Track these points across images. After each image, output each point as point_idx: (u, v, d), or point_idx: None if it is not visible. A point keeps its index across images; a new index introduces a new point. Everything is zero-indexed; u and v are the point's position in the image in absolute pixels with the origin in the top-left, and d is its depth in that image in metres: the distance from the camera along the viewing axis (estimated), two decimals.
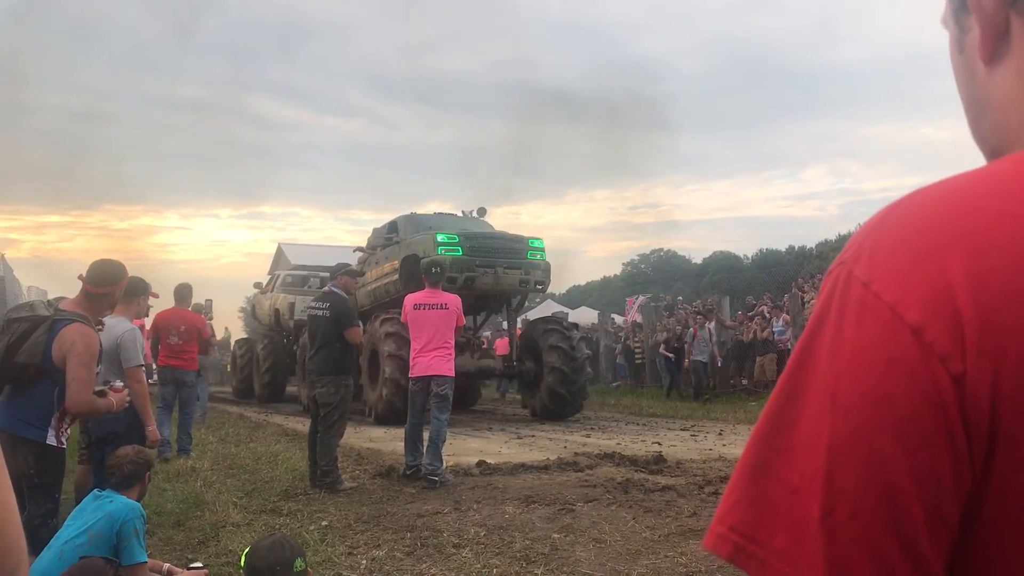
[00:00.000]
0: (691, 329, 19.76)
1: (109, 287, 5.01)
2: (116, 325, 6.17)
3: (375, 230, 17.49)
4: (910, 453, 0.60)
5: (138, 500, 4.51)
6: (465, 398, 17.28)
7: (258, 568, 2.96)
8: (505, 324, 17.50)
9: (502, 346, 18.30)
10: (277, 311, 20.65)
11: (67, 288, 5.44)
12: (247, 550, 3.09)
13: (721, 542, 0.67)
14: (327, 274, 19.58)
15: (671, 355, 20.66)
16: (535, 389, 15.44)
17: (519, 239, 15.71)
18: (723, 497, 0.69)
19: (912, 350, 0.61)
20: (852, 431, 0.62)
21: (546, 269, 15.74)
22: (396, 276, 15.46)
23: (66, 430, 4.79)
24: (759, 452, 0.67)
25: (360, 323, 8.36)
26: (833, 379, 0.63)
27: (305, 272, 22.09)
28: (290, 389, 20.83)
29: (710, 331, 19.67)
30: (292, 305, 19.54)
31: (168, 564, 4.79)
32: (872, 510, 0.60)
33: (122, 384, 5.32)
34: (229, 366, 26.43)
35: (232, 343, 25.96)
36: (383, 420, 13.90)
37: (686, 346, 20.04)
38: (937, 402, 0.60)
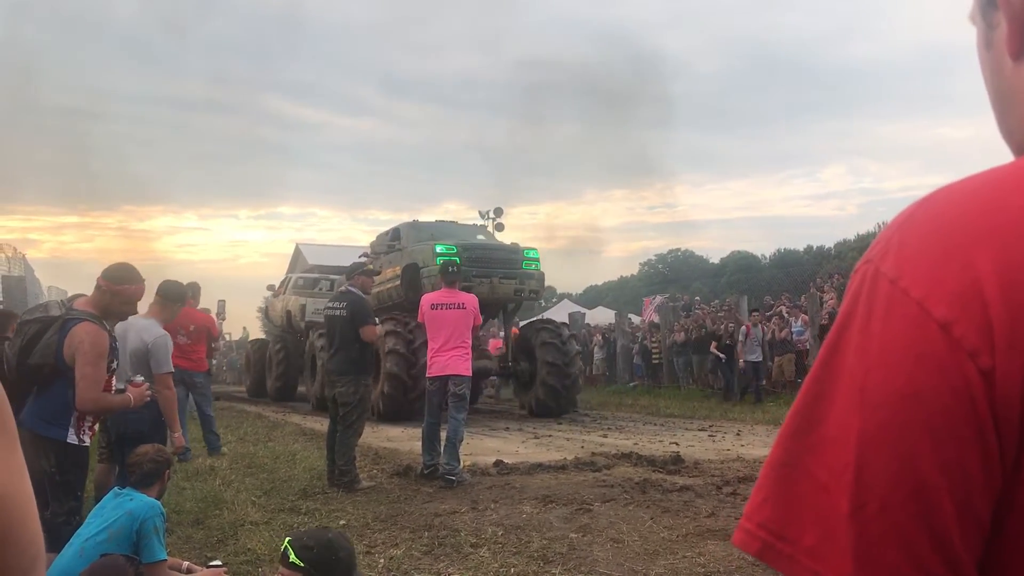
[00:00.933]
0: (743, 327, 18.96)
1: (119, 285, 4.98)
2: (149, 328, 6.17)
3: (379, 236, 17.92)
4: (940, 448, 0.60)
5: (158, 498, 4.54)
6: (471, 396, 17.26)
7: (309, 546, 2.95)
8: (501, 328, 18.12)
9: (493, 347, 19.07)
10: (289, 312, 21.02)
11: (87, 288, 5.47)
12: (292, 539, 3.04)
13: (750, 539, 0.67)
14: (337, 276, 20.33)
15: (722, 355, 19.72)
16: (531, 387, 15.92)
17: (515, 250, 16.26)
18: (752, 494, 0.69)
19: (941, 346, 0.61)
20: (881, 427, 0.61)
21: (540, 278, 16.44)
22: (398, 282, 15.93)
23: (88, 429, 4.82)
24: (787, 449, 0.67)
25: (376, 321, 8.35)
26: (861, 375, 0.63)
27: (316, 275, 22.56)
28: (301, 388, 21.13)
29: (763, 329, 19.15)
30: (303, 307, 19.95)
31: (187, 562, 4.82)
32: (902, 505, 0.60)
33: (142, 379, 5.36)
34: (244, 365, 26.83)
35: (249, 343, 26.29)
36: (384, 416, 14.14)
37: (739, 345, 19.15)
38: (966, 398, 0.60)
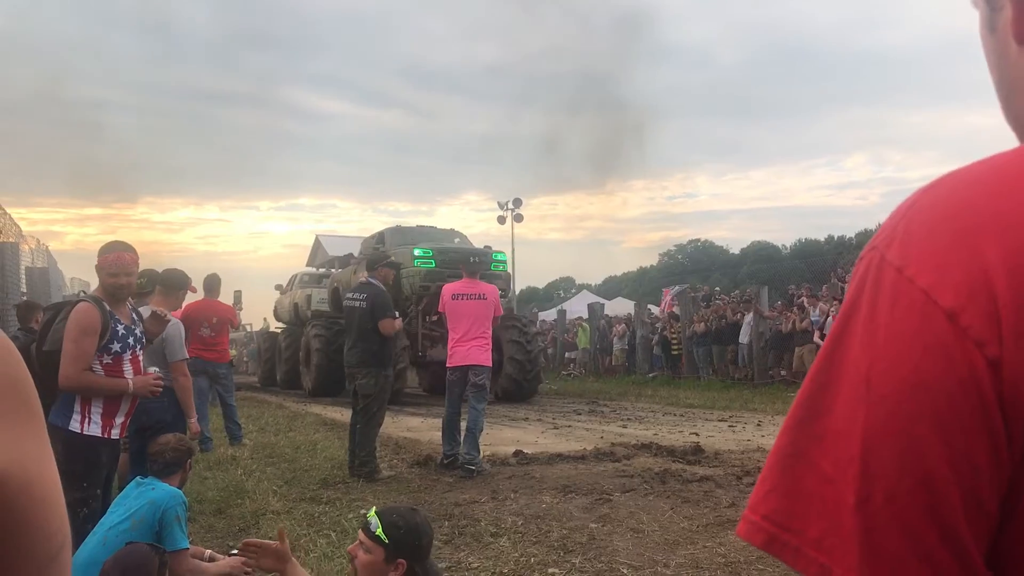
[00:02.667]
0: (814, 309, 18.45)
1: (99, 258, 4.87)
2: None
3: (365, 240, 19.49)
4: (947, 439, 0.59)
5: (180, 487, 4.56)
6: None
7: (398, 524, 2.96)
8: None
9: None
10: (296, 305, 22.38)
11: None
12: (381, 512, 3.04)
13: (755, 531, 0.66)
14: (336, 270, 21.04)
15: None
16: (497, 376, 16.74)
17: (485, 252, 17.47)
18: (756, 485, 0.68)
19: (947, 335, 0.60)
20: (887, 418, 0.61)
21: (506, 279, 18.26)
22: None
23: (99, 416, 4.73)
24: (793, 439, 0.66)
25: (395, 315, 8.35)
26: (867, 365, 0.63)
27: (319, 272, 23.81)
28: None
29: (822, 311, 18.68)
30: (309, 297, 21.41)
31: (210, 551, 4.85)
32: (909, 496, 0.60)
33: (155, 370, 5.36)
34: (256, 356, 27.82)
35: (260, 335, 26.97)
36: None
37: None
38: (973, 388, 0.60)
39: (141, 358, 5.01)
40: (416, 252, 16.79)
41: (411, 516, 3.03)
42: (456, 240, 18.65)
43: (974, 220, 0.63)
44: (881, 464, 0.60)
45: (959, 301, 0.61)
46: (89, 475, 4.72)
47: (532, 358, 17.16)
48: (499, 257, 17.86)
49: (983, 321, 0.60)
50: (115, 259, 4.84)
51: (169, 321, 5.64)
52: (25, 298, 11.72)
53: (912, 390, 0.60)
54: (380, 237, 18.52)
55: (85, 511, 4.59)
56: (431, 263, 16.55)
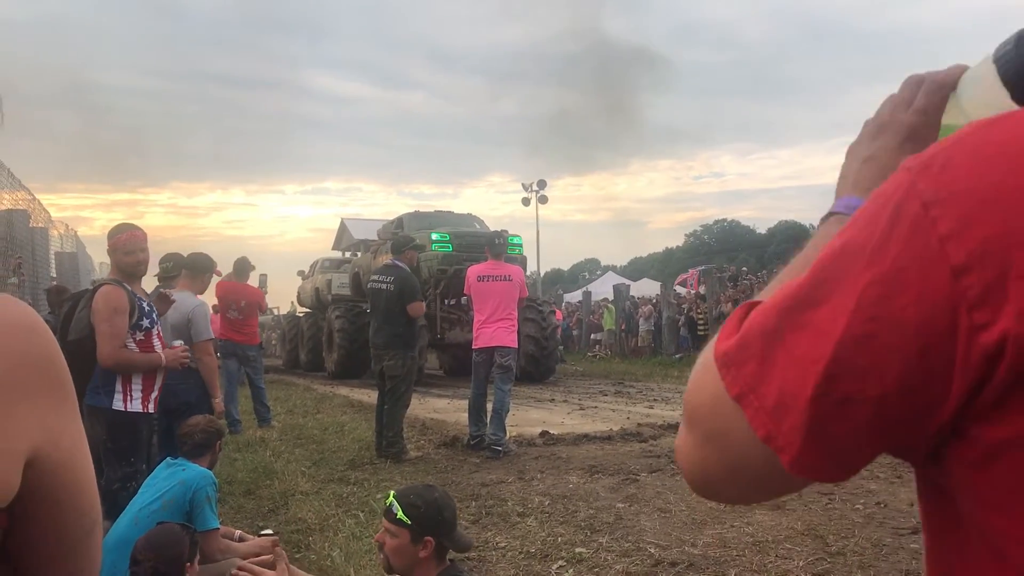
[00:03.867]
0: None
1: (108, 246, 5.03)
2: (185, 300, 6.33)
3: (384, 224, 19.74)
4: (909, 376, 0.63)
5: (209, 468, 4.60)
6: (468, 367, 18.62)
7: (416, 504, 2.97)
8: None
9: None
10: (317, 290, 22.81)
11: None
12: (399, 495, 3.06)
13: (734, 383, 0.71)
14: (350, 255, 21.47)
15: None
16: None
17: (503, 235, 17.57)
18: (738, 344, 0.72)
19: (944, 291, 0.61)
20: (864, 338, 0.64)
21: (522, 262, 18.07)
22: None
23: (140, 394, 4.89)
24: (778, 319, 0.69)
25: (423, 298, 8.38)
26: (864, 284, 0.65)
27: (340, 258, 24.35)
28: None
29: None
30: (330, 282, 21.57)
31: (240, 531, 4.89)
32: (859, 407, 0.65)
33: (180, 342, 5.46)
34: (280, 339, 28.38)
35: (284, 319, 27.65)
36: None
37: None
38: (952, 344, 0.62)
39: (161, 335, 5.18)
40: (434, 236, 17.05)
41: (428, 493, 3.04)
42: (475, 225, 18.97)
43: (1016, 182, 0.61)
44: (844, 374, 0.65)
45: (970, 261, 0.61)
46: (136, 450, 4.96)
47: (548, 335, 17.38)
48: (515, 241, 17.90)
49: (984, 288, 0.60)
50: (128, 237, 5.01)
51: (174, 301, 5.79)
52: (55, 282, 11.86)
53: (895, 325, 0.63)
54: (399, 222, 18.83)
55: (133, 485, 4.73)
56: (448, 247, 16.86)
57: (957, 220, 0.62)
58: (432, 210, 20.00)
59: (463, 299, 18.27)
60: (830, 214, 0.89)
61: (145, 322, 4.96)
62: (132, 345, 4.89)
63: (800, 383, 0.66)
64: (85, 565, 0.97)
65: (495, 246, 8.87)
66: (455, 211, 20.20)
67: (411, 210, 19.92)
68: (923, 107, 0.84)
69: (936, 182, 0.64)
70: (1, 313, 0.86)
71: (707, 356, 0.75)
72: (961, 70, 0.83)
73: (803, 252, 0.86)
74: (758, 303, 0.74)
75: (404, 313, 8.25)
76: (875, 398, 0.64)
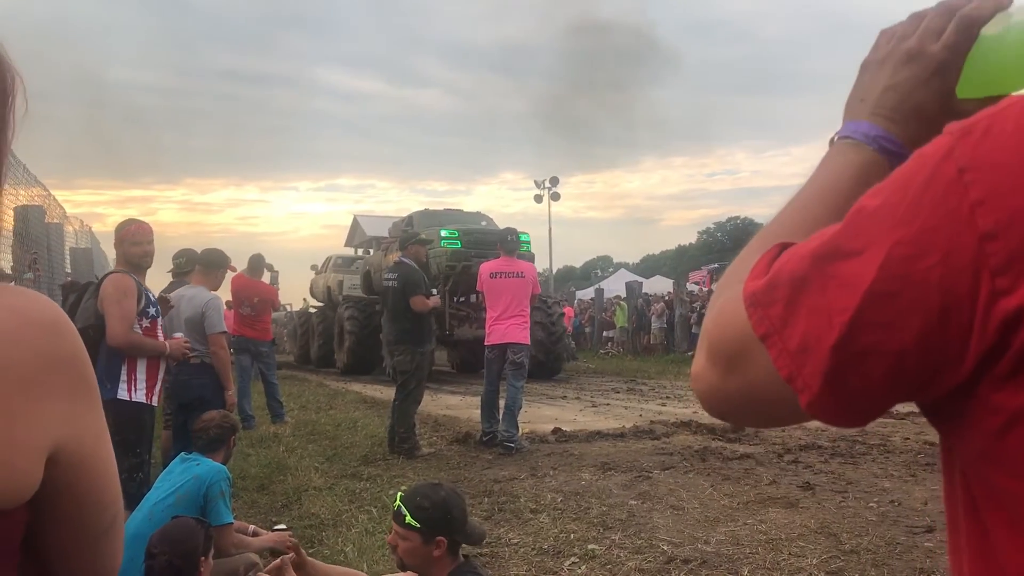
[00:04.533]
0: None
1: (115, 239, 5.16)
2: (198, 295, 6.36)
3: (395, 223, 20.07)
4: (930, 335, 0.65)
5: (223, 463, 4.61)
6: (475, 362, 19.72)
7: (424, 506, 2.96)
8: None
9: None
10: (329, 288, 23.37)
11: None
12: (405, 497, 3.05)
13: (761, 322, 0.73)
14: (363, 252, 21.73)
15: None
16: None
17: (513, 232, 17.77)
18: (767, 285, 0.74)
19: (970, 255, 0.63)
20: (889, 295, 0.66)
21: (530, 258, 18.13)
22: None
23: (145, 385, 4.92)
24: (809, 267, 0.71)
25: (426, 291, 8.35)
26: (892, 242, 0.66)
27: (352, 256, 24.65)
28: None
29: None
30: (341, 283, 22.30)
31: (253, 526, 4.91)
32: (879, 359, 0.67)
33: (181, 334, 5.53)
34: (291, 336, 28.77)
35: (296, 315, 28.45)
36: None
37: None
38: (971, 304, 0.63)
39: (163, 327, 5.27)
40: (443, 233, 17.21)
41: (435, 492, 3.02)
42: (483, 223, 19.17)
43: None
44: (866, 327, 0.67)
45: (997, 228, 0.62)
46: (140, 441, 5.00)
47: (555, 339, 17.51)
48: (523, 238, 18.11)
49: (1009, 255, 0.62)
50: (136, 228, 5.15)
51: (173, 307, 5.85)
52: (70, 278, 11.91)
53: (919, 284, 0.65)
54: (409, 220, 19.05)
55: (140, 476, 4.78)
56: (457, 243, 17.03)
57: (990, 188, 0.63)
58: (442, 208, 20.29)
59: (472, 296, 18.50)
60: (842, 137, 0.89)
61: (151, 310, 5.05)
62: (138, 330, 4.96)
63: (824, 331, 0.69)
64: (107, 559, 0.97)
65: (507, 243, 8.87)
66: (464, 209, 20.63)
67: (422, 208, 20.16)
68: (954, 43, 0.83)
69: (974, 149, 0.65)
70: (25, 310, 0.86)
71: (734, 292, 0.77)
72: (995, 4, 0.82)
73: (812, 177, 0.89)
74: (789, 244, 0.76)
75: (410, 308, 8.26)
76: (894, 352, 0.66)
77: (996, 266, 0.62)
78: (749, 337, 0.73)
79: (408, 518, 2.90)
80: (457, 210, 20.39)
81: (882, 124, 0.87)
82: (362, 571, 4.54)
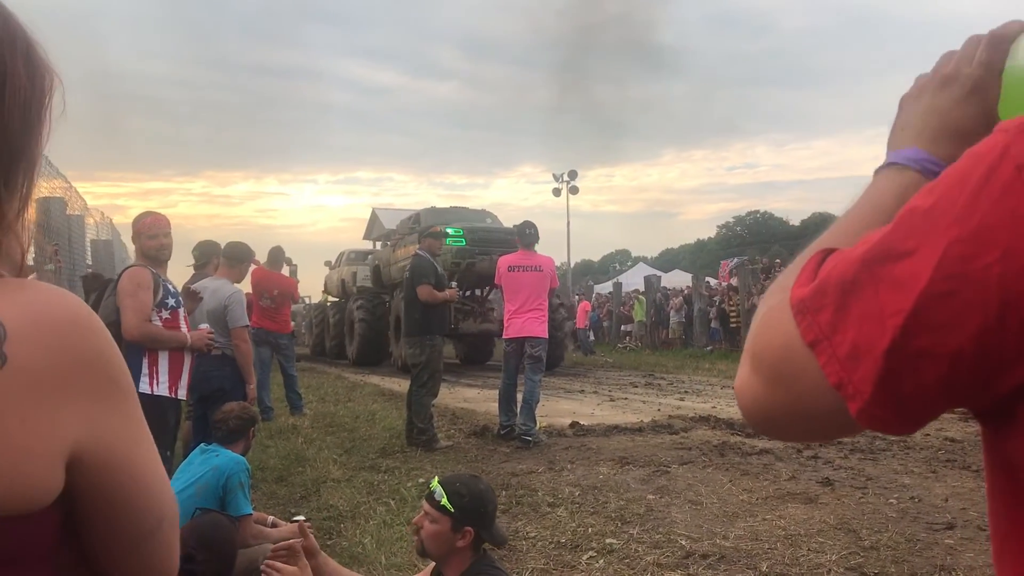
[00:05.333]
0: None
1: (133, 232, 5.14)
2: (222, 288, 6.40)
3: (402, 220, 20.78)
4: (985, 337, 0.64)
5: (243, 455, 4.63)
6: (479, 355, 21.29)
7: (461, 493, 2.97)
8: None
9: (582, 310, 25.42)
10: (343, 281, 24.16)
11: None
12: (444, 482, 3.05)
13: (810, 329, 0.72)
14: (379, 246, 22.12)
15: None
16: None
17: (512, 232, 18.03)
18: (815, 291, 0.73)
19: None
20: (945, 295, 0.65)
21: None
22: None
23: (166, 377, 4.93)
24: (858, 270, 0.70)
25: (435, 281, 8.32)
26: (950, 240, 0.65)
27: (365, 250, 25.23)
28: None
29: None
30: (355, 274, 23.04)
31: (272, 516, 4.94)
32: (934, 362, 0.65)
33: (206, 325, 5.53)
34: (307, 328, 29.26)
35: (311, 308, 28.64)
36: (407, 369, 15.36)
37: None
38: None
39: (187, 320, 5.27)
40: (448, 231, 17.32)
41: (474, 484, 3.04)
42: (488, 220, 19.60)
43: None
44: (921, 329, 0.65)
45: None
46: (161, 436, 4.95)
47: (557, 328, 17.48)
48: None
49: None
50: (153, 221, 5.15)
51: (201, 299, 5.88)
52: (91, 269, 11.99)
53: (977, 283, 0.63)
54: (416, 217, 19.45)
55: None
56: (462, 241, 17.25)
57: None
58: (448, 206, 20.85)
59: (477, 291, 18.96)
60: (887, 164, 0.89)
61: (171, 301, 5.04)
62: (157, 322, 4.95)
63: (876, 335, 0.67)
64: (153, 563, 0.96)
65: (526, 236, 8.85)
66: (470, 207, 21.12)
67: (439, 201, 20.92)
68: (987, 60, 0.84)
69: None
70: (46, 308, 0.84)
71: (780, 299, 0.77)
72: (1021, 25, 0.83)
73: (854, 202, 0.88)
74: (834, 250, 0.75)
75: (418, 298, 8.26)
76: (950, 354, 0.65)
77: None
78: (797, 345, 0.72)
79: (444, 500, 2.91)
80: (462, 208, 20.85)
81: (925, 147, 0.87)
82: (380, 562, 4.55)
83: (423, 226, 17.73)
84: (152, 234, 5.08)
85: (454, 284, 8.80)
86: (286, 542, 3.18)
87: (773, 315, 0.77)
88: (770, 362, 0.76)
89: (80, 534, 0.90)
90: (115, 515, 0.90)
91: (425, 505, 2.97)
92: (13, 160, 0.87)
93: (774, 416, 0.78)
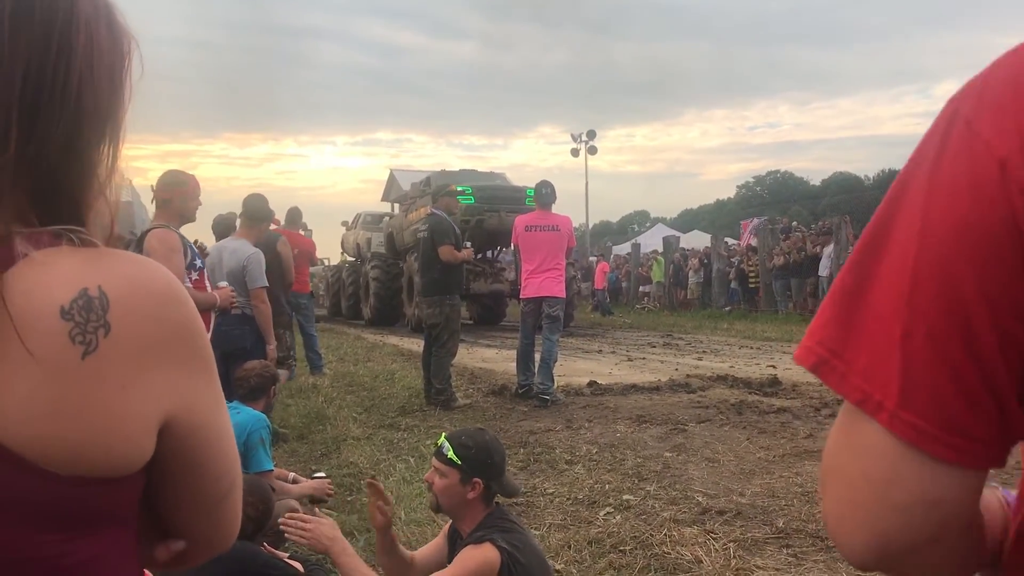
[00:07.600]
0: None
1: (168, 192, 5.10)
2: (241, 248, 6.42)
3: (413, 184, 21.20)
4: (984, 278, 0.63)
5: (264, 413, 4.69)
6: (492, 316, 21.69)
7: (467, 445, 3.02)
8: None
9: (601, 271, 26.67)
10: (358, 245, 24.65)
11: None
12: (450, 436, 3.09)
13: (808, 354, 0.71)
14: (399, 208, 22.32)
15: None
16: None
17: (519, 189, 18.68)
18: (815, 316, 0.72)
19: (995, 180, 0.63)
20: (936, 257, 0.64)
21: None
22: None
23: None
24: (853, 276, 0.69)
25: (456, 242, 8.33)
26: (924, 206, 0.66)
27: (380, 213, 25.61)
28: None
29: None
30: (369, 240, 23.54)
31: (293, 473, 5.00)
32: (948, 333, 0.63)
33: (226, 283, 5.57)
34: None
35: (328, 270, 29.36)
36: (419, 329, 15.61)
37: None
38: (1012, 228, 0.62)
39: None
40: (457, 189, 17.46)
41: (480, 436, 3.07)
42: (496, 182, 20.06)
43: None
44: (925, 301, 0.64)
45: (1011, 149, 0.62)
46: None
47: (567, 288, 17.81)
48: (531, 192, 18.36)
49: None
50: (196, 184, 5.22)
51: (208, 255, 5.93)
52: None
53: (958, 232, 0.63)
54: (427, 180, 19.65)
55: None
56: (470, 199, 17.30)
57: (997, 122, 0.64)
58: (457, 169, 21.45)
59: (488, 252, 19.17)
60: None
61: (198, 262, 5.12)
62: (188, 285, 4.97)
63: (887, 329, 0.66)
64: (226, 524, 1.00)
65: (542, 196, 8.82)
66: (479, 170, 21.88)
67: (459, 163, 21.23)
68: None
69: (978, 103, 0.66)
70: (144, 280, 0.87)
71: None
72: None
73: None
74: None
75: (438, 258, 8.27)
76: (962, 321, 0.63)
77: (1021, 183, 0.62)
78: (837, 430, 0.70)
79: (450, 454, 2.95)
80: (471, 170, 21.42)
81: None
82: (400, 518, 4.61)
83: (432, 188, 17.97)
84: (195, 195, 5.19)
85: (468, 244, 8.77)
86: (373, 480, 3.22)
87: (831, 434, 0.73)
88: (825, 468, 0.73)
89: (160, 497, 0.93)
90: (196, 479, 0.94)
91: (434, 461, 3.01)
92: (104, 122, 0.90)
93: (852, 524, 0.72)
